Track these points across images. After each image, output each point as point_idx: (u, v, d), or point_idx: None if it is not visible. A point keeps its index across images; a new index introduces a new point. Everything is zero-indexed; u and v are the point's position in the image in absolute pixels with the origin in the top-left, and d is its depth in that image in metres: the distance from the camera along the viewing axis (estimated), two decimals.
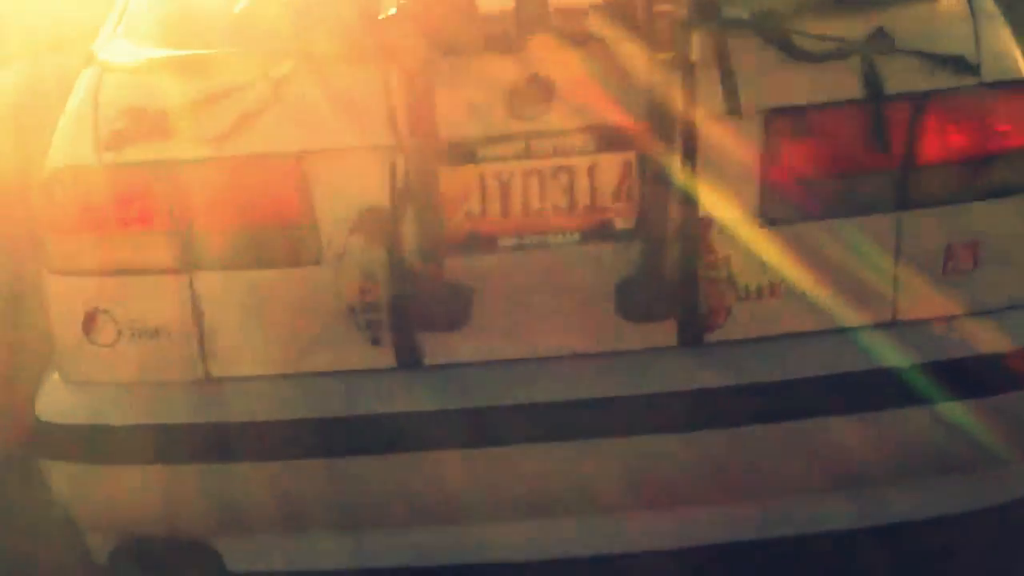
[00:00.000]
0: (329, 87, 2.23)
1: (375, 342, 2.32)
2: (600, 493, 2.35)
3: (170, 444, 2.32)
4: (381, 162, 2.24)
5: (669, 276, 2.28)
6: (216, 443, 2.31)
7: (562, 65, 2.22)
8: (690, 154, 2.22)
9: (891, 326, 2.35)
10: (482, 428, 2.29)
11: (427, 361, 2.33)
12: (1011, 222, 2.35)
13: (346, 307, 2.31)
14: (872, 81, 2.23)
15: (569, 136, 2.25)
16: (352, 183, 2.27)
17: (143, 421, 2.34)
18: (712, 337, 2.34)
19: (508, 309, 2.32)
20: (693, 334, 2.33)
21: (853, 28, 2.23)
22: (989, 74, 2.29)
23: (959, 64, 2.26)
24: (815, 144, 2.28)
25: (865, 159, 2.28)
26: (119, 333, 2.34)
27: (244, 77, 2.24)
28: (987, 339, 2.34)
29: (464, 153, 2.26)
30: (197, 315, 2.32)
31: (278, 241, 2.30)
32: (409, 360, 2.32)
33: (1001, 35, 2.35)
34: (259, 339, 2.34)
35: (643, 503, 2.37)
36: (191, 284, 2.31)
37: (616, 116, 2.23)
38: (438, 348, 2.33)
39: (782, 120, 2.26)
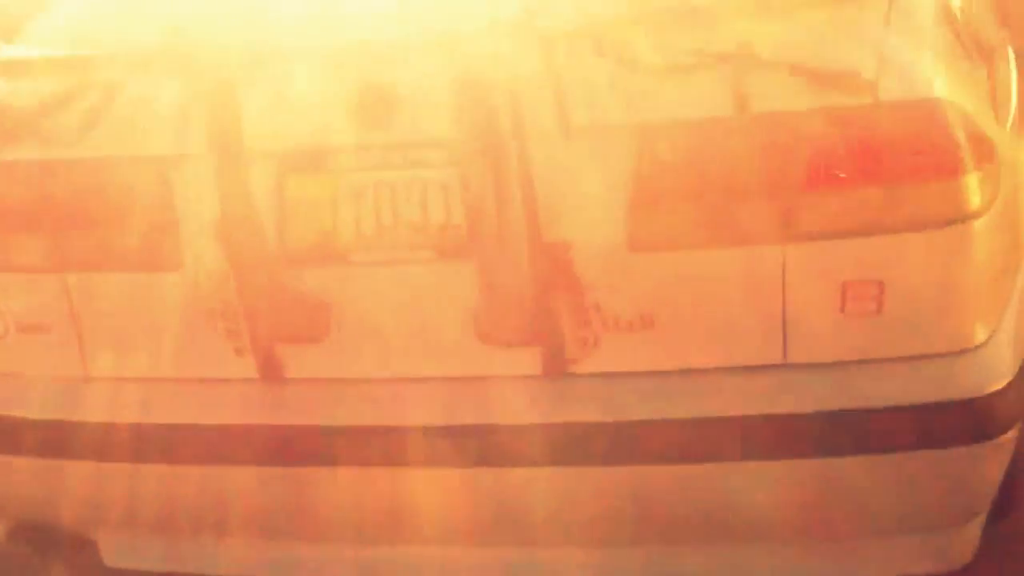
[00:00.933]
0: (178, 92, 2.16)
1: (238, 352, 2.26)
2: (447, 523, 2.21)
3: (47, 438, 2.34)
4: (230, 169, 2.15)
5: (527, 300, 2.10)
6: (87, 441, 2.32)
7: (418, 74, 2.07)
8: (527, 173, 2.04)
9: (781, 369, 2.09)
10: (332, 448, 2.20)
11: (289, 374, 2.25)
12: (921, 260, 2.03)
13: (207, 315, 2.25)
14: (747, 97, 1.96)
15: (423, 149, 2.10)
16: (207, 190, 2.18)
17: (24, 414, 2.36)
18: (578, 368, 2.14)
19: (368, 326, 2.20)
20: (557, 364, 2.14)
21: (721, 39, 1.97)
22: (888, 92, 1.97)
23: (852, 79, 1.95)
24: (688, 165, 2.03)
25: (743, 183, 2.01)
26: (7, 327, 2.37)
27: (105, 78, 2.20)
28: (890, 390, 2.05)
29: (315, 162, 2.15)
30: (74, 314, 2.32)
31: (141, 245, 2.25)
32: (270, 372, 2.24)
33: (917, 47, 2.02)
34: (131, 342, 2.32)
35: (497, 538, 2.22)
36: (66, 283, 2.30)
37: (471, 129, 2.05)
38: (301, 361, 2.24)
39: (652, 137, 2.03)
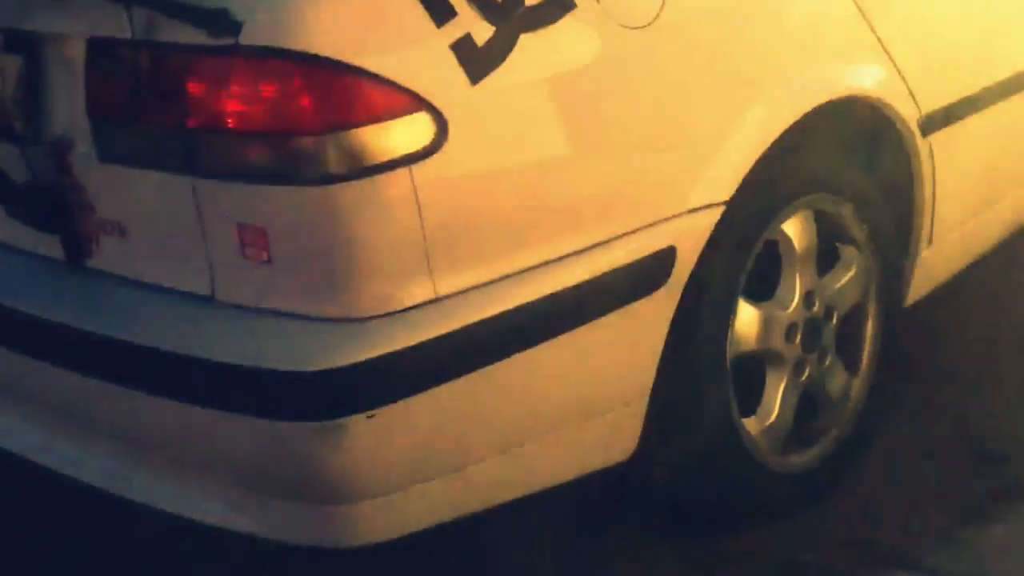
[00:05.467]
0: None
1: None
2: None
3: None
4: None
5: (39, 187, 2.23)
6: None
7: None
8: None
9: (209, 302, 2.07)
10: None
11: None
12: (301, 215, 1.93)
13: None
14: (134, 25, 1.96)
15: None
16: None
17: None
18: (92, 263, 2.24)
19: None
20: (73, 254, 2.25)
21: None
22: (251, 36, 1.87)
23: (218, 19, 1.87)
24: (112, 83, 2.07)
25: (148, 109, 2.02)
26: None
27: None
28: (274, 348, 1.98)
29: None
30: None
31: None
32: None
33: None
34: None
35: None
36: None
37: None
38: None
39: (96, 49, 2.08)
